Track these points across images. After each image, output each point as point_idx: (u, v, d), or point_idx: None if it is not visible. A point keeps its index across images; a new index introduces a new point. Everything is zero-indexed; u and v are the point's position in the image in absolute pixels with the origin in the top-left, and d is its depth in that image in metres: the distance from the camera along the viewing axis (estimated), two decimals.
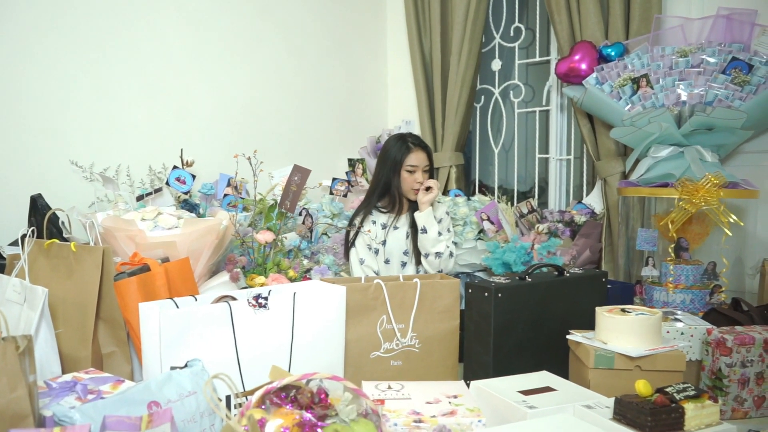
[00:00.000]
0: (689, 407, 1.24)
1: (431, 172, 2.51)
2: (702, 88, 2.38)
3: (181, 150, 2.60)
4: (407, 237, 2.51)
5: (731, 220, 2.18)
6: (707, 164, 2.32)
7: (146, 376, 1.52)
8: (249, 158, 2.31)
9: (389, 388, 1.52)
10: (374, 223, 2.50)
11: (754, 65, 2.32)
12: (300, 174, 2.26)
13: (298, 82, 3.38)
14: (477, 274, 2.70)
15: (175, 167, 2.50)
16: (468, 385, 1.56)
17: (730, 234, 2.19)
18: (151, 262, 1.93)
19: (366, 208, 2.52)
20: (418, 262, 2.50)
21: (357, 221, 2.50)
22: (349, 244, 2.51)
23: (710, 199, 2.15)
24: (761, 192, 2.35)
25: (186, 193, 2.49)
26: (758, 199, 2.37)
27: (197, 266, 2.14)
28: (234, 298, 1.68)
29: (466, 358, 1.92)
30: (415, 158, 2.45)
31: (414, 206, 2.51)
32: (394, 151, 2.47)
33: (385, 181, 2.48)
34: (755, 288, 2.36)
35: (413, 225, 2.50)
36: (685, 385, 1.29)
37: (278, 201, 2.35)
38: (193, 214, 2.37)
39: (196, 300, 1.70)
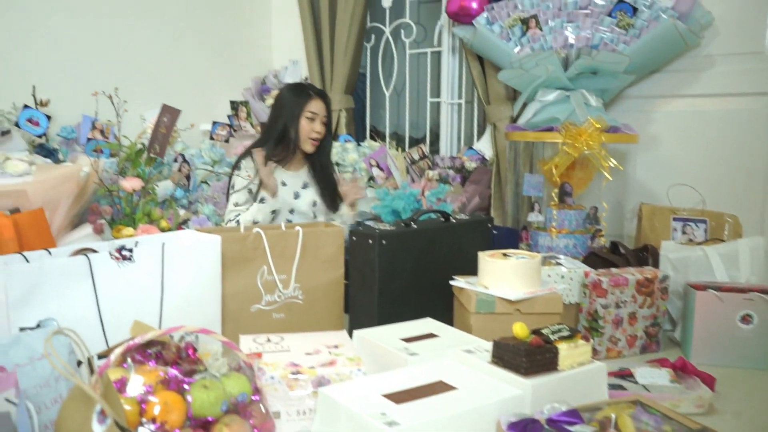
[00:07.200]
0: (563, 347, 1.26)
1: (329, 125, 2.38)
2: (589, 30, 2.38)
3: (33, 87, 2.33)
4: (314, 205, 2.36)
5: (611, 165, 2.22)
6: (591, 108, 2.34)
7: None
8: (110, 96, 2.10)
9: (268, 341, 1.46)
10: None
11: (638, 8, 2.33)
12: (169, 115, 2.08)
13: (171, 11, 3.08)
14: (367, 223, 2.63)
15: (26, 106, 2.24)
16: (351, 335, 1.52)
17: (611, 178, 2.24)
18: None
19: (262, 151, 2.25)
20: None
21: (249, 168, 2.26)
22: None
23: (592, 144, 2.18)
24: (641, 137, 2.41)
25: (41, 137, 2.24)
26: (638, 144, 2.43)
27: (55, 218, 1.97)
28: (94, 251, 1.55)
29: (351, 307, 1.90)
30: (316, 106, 2.31)
31: (308, 163, 2.37)
32: (292, 97, 2.31)
33: (282, 128, 2.29)
34: (633, 231, 2.45)
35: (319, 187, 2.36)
36: (560, 326, 1.30)
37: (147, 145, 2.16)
38: (49, 160, 2.16)
39: (50, 254, 1.56)
